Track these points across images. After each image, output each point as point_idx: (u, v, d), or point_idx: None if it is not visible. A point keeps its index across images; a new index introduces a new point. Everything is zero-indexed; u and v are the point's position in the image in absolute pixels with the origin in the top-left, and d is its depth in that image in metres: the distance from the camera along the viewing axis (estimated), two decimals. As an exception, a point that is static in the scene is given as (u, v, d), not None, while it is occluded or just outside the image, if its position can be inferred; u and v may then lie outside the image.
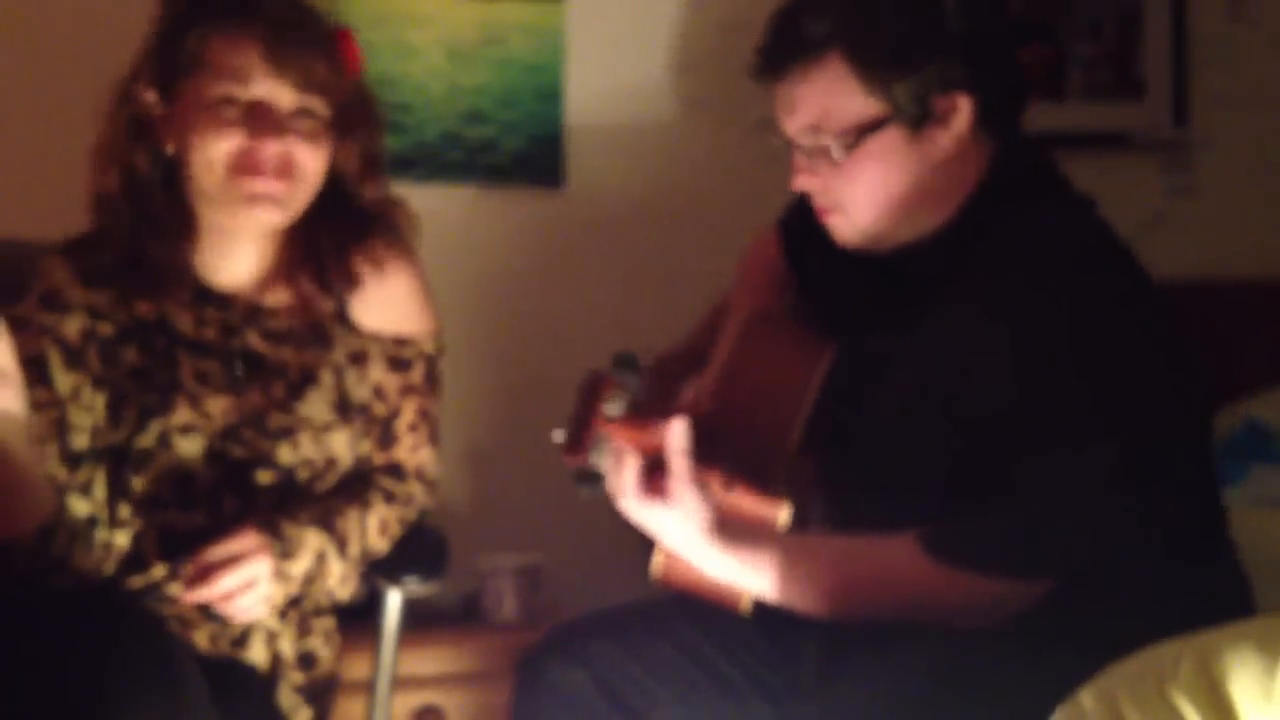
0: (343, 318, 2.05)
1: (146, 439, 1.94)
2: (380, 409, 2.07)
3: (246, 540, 1.90)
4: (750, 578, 1.80)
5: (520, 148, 3.02)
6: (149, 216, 1.99)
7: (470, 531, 2.70)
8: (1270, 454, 2.86)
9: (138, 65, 2.01)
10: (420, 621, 2.52)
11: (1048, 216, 1.83)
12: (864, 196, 1.84)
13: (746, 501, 1.82)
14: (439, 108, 2.96)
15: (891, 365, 1.86)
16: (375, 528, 2.03)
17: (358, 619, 2.09)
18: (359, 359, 2.05)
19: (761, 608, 1.85)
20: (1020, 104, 1.90)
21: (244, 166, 1.95)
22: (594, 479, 1.80)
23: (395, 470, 2.08)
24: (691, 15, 3.12)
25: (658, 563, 1.85)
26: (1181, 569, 1.78)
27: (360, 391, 2.04)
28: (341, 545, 1.98)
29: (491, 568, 2.77)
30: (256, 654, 1.98)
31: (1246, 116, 3.34)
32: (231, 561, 1.88)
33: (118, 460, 1.95)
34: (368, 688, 2.13)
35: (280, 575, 1.91)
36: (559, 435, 1.82)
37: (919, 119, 1.81)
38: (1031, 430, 1.72)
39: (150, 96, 1.98)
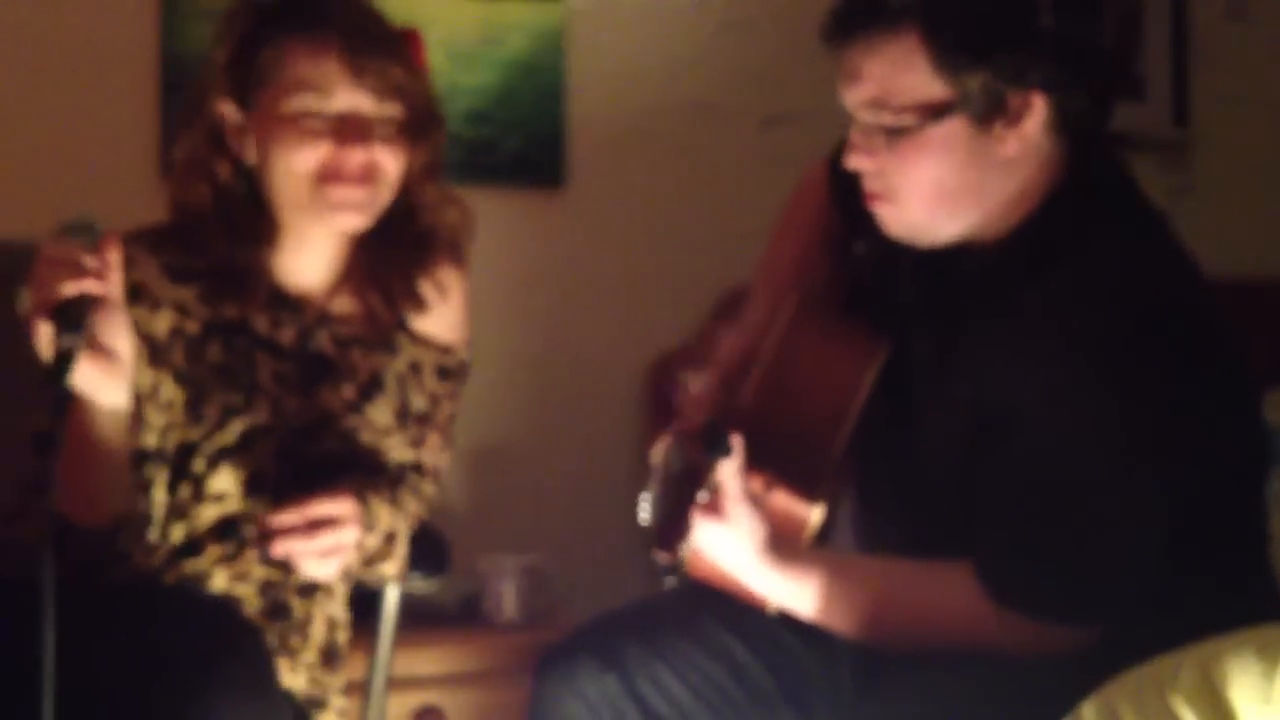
0: (403, 325, 2.07)
1: (226, 436, 1.95)
2: (434, 416, 2.09)
3: (345, 505, 1.89)
4: (798, 598, 1.79)
5: (520, 148, 3.01)
6: (235, 224, 1.99)
7: (470, 531, 2.70)
8: (1272, 453, 2.86)
9: (212, 78, 1.99)
10: (420, 621, 2.53)
11: (1114, 238, 1.76)
12: (916, 186, 1.74)
13: (781, 500, 1.81)
14: (439, 108, 2.96)
15: (936, 372, 1.82)
16: (411, 516, 2.05)
17: (356, 618, 2.09)
18: (416, 369, 2.07)
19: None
20: (1104, 112, 1.82)
21: (329, 175, 1.94)
22: (681, 567, 1.78)
23: (418, 469, 2.09)
24: (692, 15, 3.12)
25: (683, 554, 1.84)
26: (1226, 598, 1.74)
27: (419, 401, 2.06)
28: (408, 524, 2.00)
29: (492, 568, 2.78)
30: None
31: (1246, 116, 3.35)
32: (329, 523, 1.87)
33: (186, 455, 1.95)
34: (365, 687, 2.14)
35: (358, 546, 1.92)
36: (645, 515, 1.79)
37: (987, 112, 1.71)
38: (1076, 463, 1.67)
39: (228, 108, 1.97)
